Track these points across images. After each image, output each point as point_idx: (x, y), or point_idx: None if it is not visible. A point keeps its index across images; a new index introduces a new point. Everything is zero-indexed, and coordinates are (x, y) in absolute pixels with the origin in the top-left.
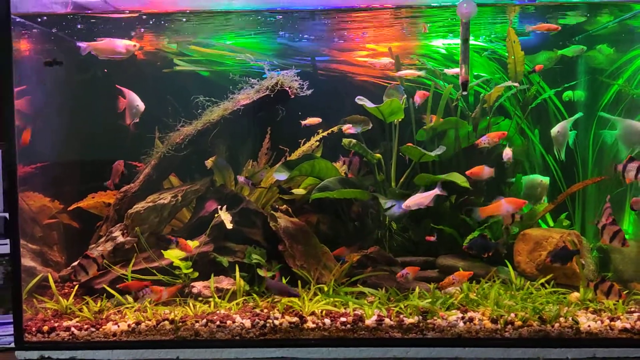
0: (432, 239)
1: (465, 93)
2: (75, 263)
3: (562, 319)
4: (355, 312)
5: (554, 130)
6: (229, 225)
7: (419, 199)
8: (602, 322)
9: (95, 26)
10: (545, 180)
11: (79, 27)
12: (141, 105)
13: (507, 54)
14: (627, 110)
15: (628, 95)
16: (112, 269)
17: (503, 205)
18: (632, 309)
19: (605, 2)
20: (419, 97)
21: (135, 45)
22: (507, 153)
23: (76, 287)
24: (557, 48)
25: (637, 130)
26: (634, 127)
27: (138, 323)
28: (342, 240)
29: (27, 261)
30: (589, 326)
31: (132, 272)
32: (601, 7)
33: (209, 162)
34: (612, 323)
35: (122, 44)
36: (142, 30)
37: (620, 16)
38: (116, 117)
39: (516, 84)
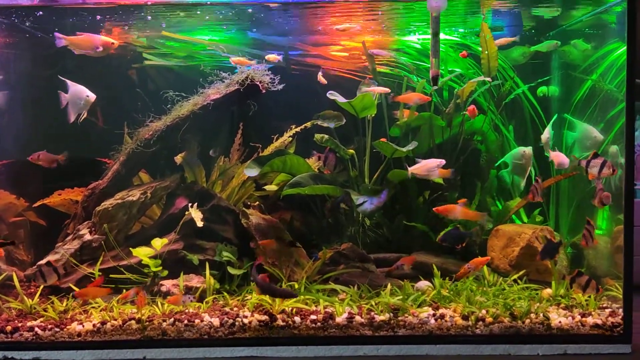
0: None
1: (436, 87)
2: (41, 262)
3: (532, 315)
4: (326, 309)
5: (544, 137)
6: (200, 223)
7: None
8: (574, 318)
9: (62, 18)
10: (529, 149)
11: (45, 19)
12: (91, 96)
13: (480, 49)
14: (600, 105)
15: (602, 90)
16: (79, 268)
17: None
18: (604, 305)
19: None
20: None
21: (113, 43)
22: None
23: (41, 286)
24: (530, 43)
25: (591, 137)
26: (590, 133)
27: (103, 323)
28: (316, 237)
29: None
30: (560, 322)
31: (100, 270)
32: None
33: (178, 158)
34: (584, 319)
35: (99, 40)
36: (111, 23)
37: (594, 10)
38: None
39: (489, 79)
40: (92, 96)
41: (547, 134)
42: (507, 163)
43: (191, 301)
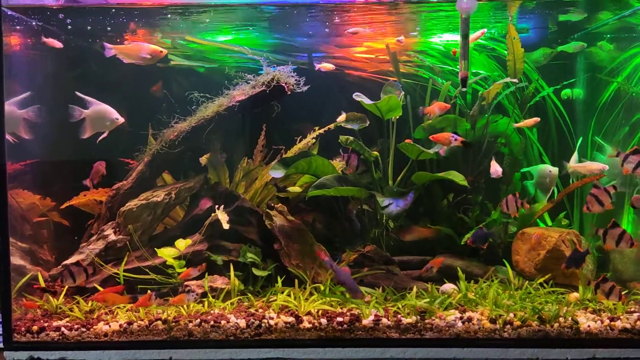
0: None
1: (464, 89)
2: (67, 262)
3: (561, 319)
4: (352, 311)
5: (572, 165)
6: (226, 226)
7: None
8: (602, 322)
9: (88, 19)
10: (555, 170)
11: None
12: (120, 119)
13: (506, 52)
14: (625, 108)
15: (627, 93)
16: (104, 269)
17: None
18: (632, 309)
19: None
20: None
21: (161, 52)
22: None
23: (66, 286)
24: (556, 45)
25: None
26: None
27: (130, 323)
28: (339, 239)
29: (16, 260)
30: (588, 326)
31: (125, 271)
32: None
33: (204, 159)
34: (612, 323)
35: (148, 49)
36: (136, 24)
37: (620, 13)
38: None
39: (515, 80)
40: (121, 119)
41: (572, 163)
42: (533, 175)
43: (194, 299)
